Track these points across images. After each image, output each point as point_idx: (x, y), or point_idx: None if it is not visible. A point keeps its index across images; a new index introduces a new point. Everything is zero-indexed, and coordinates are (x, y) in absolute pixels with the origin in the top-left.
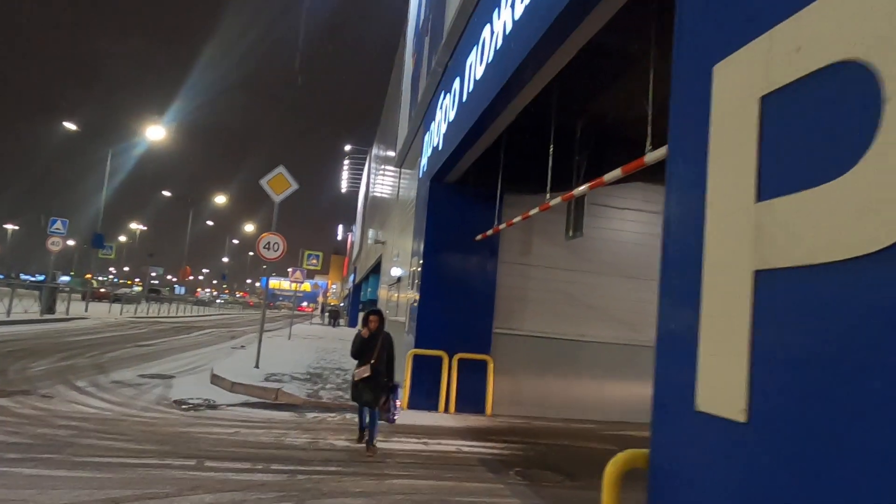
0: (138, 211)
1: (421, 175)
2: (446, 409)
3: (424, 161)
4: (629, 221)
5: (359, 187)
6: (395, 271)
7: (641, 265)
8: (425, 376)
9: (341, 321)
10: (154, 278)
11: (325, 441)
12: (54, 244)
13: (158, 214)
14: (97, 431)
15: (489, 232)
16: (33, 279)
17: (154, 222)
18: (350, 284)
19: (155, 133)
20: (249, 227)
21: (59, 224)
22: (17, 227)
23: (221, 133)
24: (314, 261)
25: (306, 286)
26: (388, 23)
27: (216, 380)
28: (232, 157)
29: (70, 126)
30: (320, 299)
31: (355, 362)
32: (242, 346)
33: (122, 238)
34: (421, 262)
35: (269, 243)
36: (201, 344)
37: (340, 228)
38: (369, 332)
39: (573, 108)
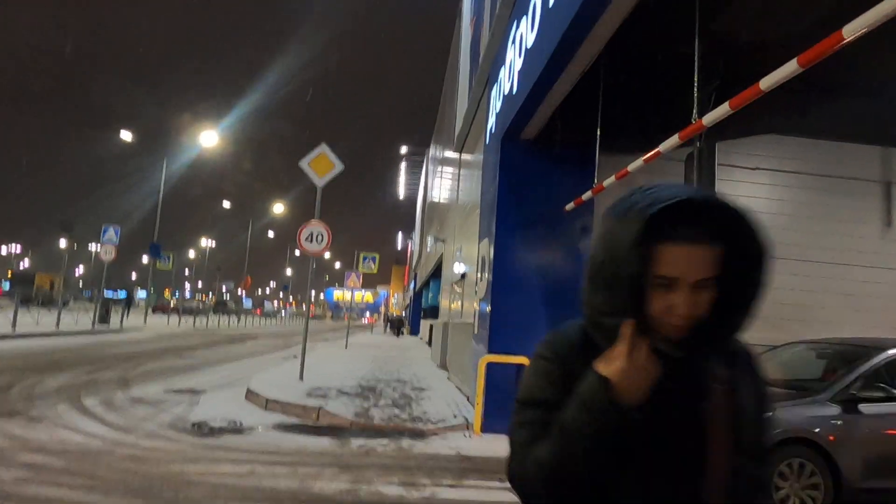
0: (201, 225)
1: (488, 139)
2: None
3: (492, 121)
4: (761, 185)
5: (417, 191)
6: (459, 267)
7: (780, 241)
8: (504, 390)
9: (404, 330)
10: (225, 292)
11: (371, 488)
12: (107, 253)
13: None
14: (61, 472)
15: (587, 194)
16: (114, 295)
17: (220, 236)
18: (411, 292)
19: (208, 139)
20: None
21: (111, 233)
22: (99, 247)
23: (276, 142)
24: (371, 264)
25: (369, 297)
26: (441, 18)
27: (251, 396)
28: (290, 167)
29: (127, 137)
30: (382, 309)
31: (414, 373)
32: (295, 357)
33: (192, 254)
34: (492, 244)
35: (311, 234)
36: (251, 354)
37: (400, 236)
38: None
39: (690, 29)
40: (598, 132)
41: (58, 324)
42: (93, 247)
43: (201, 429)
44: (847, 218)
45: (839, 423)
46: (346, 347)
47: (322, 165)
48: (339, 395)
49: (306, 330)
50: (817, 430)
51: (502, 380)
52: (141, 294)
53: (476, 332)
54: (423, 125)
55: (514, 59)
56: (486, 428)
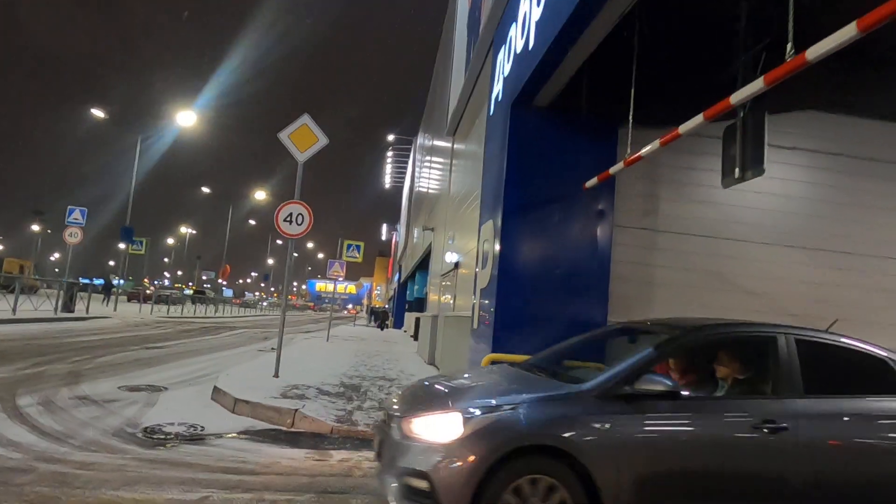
0: (181, 211)
1: (492, 109)
2: None
3: (499, 88)
4: (800, 167)
5: (403, 182)
6: (451, 256)
7: (818, 231)
8: None
9: (388, 323)
10: (206, 281)
11: None
12: (72, 235)
13: (205, 216)
14: None
15: (617, 167)
16: (90, 282)
17: (201, 224)
18: (395, 284)
19: (186, 119)
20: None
21: (77, 213)
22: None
23: (256, 122)
24: (355, 252)
25: (352, 288)
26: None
27: (218, 395)
28: (271, 150)
29: (99, 114)
30: (365, 301)
31: (401, 369)
32: (272, 349)
33: (171, 241)
34: (497, 227)
35: (290, 215)
36: (225, 346)
37: (384, 228)
38: None
39: None
40: (633, 92)
41: (14, 310)
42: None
43: (153, 436)
44: (892, 206)
45: (604, 426)
46: (327, 340)
47: (304, 138)
48: (318, 395)
49: (283, 321)
50: (568, 434)
51: None
52: (118, 281)
53: (475, 327)
54: (411, 114)
55: (529, 10)
56: None
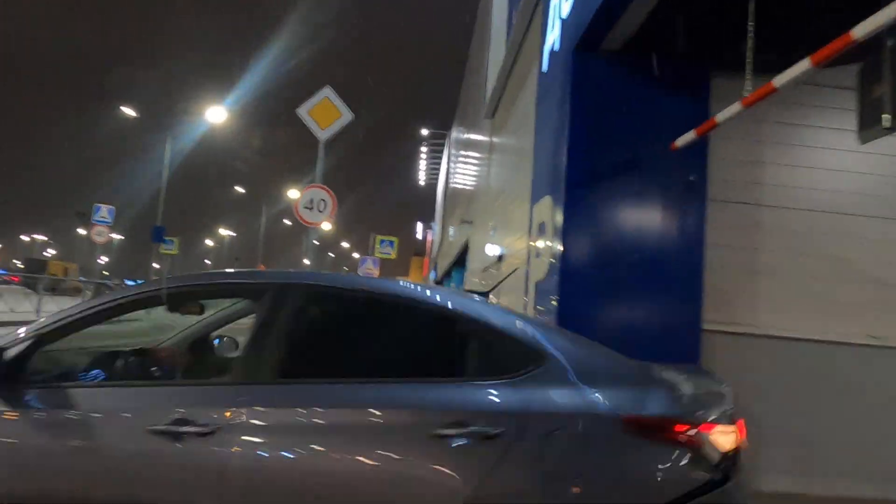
0: (218, 211)
1: (545, 65)
2: None
3: (554, 37)
4: None
5: (437, 178)
6: (492, 249)
7: None
8: None
9: None
10: None
11: None
12: (99, 234)
13: (242, 216)
14: None
15: (721, 116)
16: (134, 284)
17: (239, 225)
18: (431, 282)
19: (216, 115)
20: (327, 227)
21: (104, 212)
22: (122, 237)
23: (287, 119)
24: (388, 248)
25: None
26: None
27: None
28: (303, 148)
29: (130, 113)
30: None
31: None
32: None
33: (209, 242)
34: (559, 202)
35: (311, 201)
36: None
37: (419, 226)
38: None
39: None
40: (752, 27)
41: (37, 311)
42: (114, 235)
43: None
44: None
45: None
46: None
47: (325, 114)
48: None
49: None
50: None
51: None
52: None
53: None
54: (444, 109)
55: None
56: None
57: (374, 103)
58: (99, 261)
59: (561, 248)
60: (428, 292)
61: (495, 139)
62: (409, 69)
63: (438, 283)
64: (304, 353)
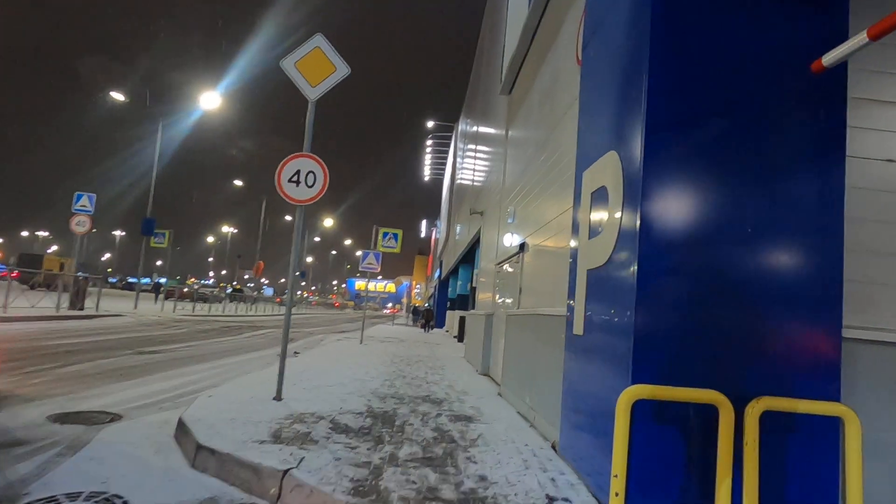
0: (221, 208)
1: None
2: None
3: None
4: None
5: (443, 174)
6: (512, 238)
7: None
8: (671, 447)
9: (432, 324)
10: (249, 280)
11: None
12: (80, 224)
13: (245, 213)
14: None
15: (844, 50)
16: (136, 281)
17: (242, 222)
18: (435, 281)
19: (209, 101)
20: (328, 222)
21: (84, 200)
22: (123, 233)
23: (286, 109)
24: (392, 241)
25: (391, 287)
26: None
27: (182, 432)
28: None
29: (119, 97)
30: (404, 300)
31: (450, 384)
32: (296, 353)
33: (210, 239)
34: (634, 157)
35: (297, 173)
36: (240, 349)
37: (424, 224)
38: None
39: None
40: None
41: (4, 307)
42: (116, 231)
43: None
44: None
45: None
46: (361, 343)
47: (316, 67)
48: (331, 432)
49: (287, 325)
50: None
51: (671, 427)
52: (161, 280)
53: (579, 332)
54: (450, 104)
55: None
56: None
57: (380, 94)
58: (102, 258)
59: (637, 219)
60: None
61: (513, 116)
62: (415, 59)
63: (443, 282)
64: None
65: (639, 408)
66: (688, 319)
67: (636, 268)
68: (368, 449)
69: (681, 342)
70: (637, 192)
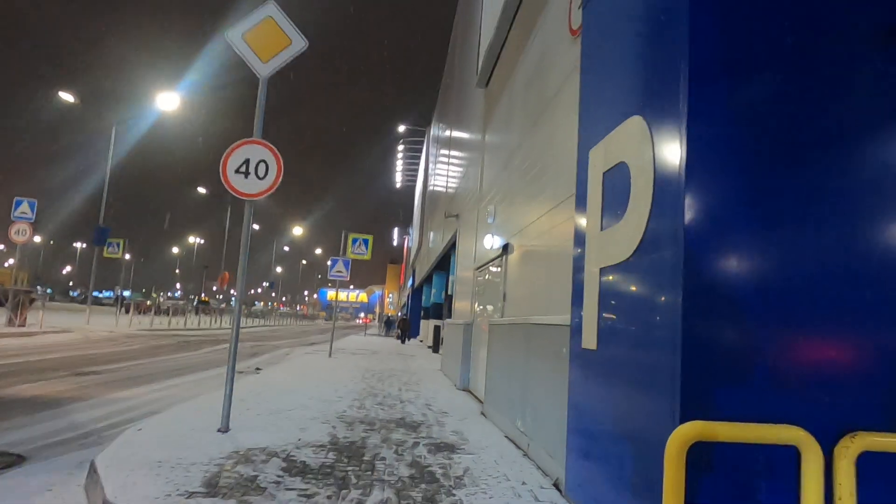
0: (189, 219)
1: None
2: None
3: None
4: None
5: (415, 181)
6: (493, 240)
7: None
8: (740, 490)
9: (409, 334)
10: (218, 292)
11: None
12: (19, 233)
13: (213, 224)
14: None
15: None
16: (100, 295)
17: (211, 233)
18: (408, 290)
19: (168, 102)
20: (298, 231)
21: (24, 207)
22: (84, 245)
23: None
24: (362, 247)
25: (363, 297)
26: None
27: (92, 483)
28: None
29: (69, 98)
30: (377, 310)
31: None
32: (258, 370)
33: (176, 250)
34: (682, 111)
35: (246, 163)
36: (194, 367)
37: (396, 232)
38: None
39: None
40: None
41: None
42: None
43: None
44: None
45: None
46: (329, 356)
47: (268, 41)
48: (282, 475)
49: (234, 343)
50: None
51: (740, 468)
52: (126, 293)
53: (590, 346)
54: (421, 108)
55: None
56: None
57: (350, 97)
58: (63, 272)
59: (682, 197)
60: None
61: (492, 110)
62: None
63: (417, 290)
64: None
65: (699, 449)
66: (753, 333)
67: (681, 262)
68: (329, 497)
69: (747, 362)
70: (678, 161)
